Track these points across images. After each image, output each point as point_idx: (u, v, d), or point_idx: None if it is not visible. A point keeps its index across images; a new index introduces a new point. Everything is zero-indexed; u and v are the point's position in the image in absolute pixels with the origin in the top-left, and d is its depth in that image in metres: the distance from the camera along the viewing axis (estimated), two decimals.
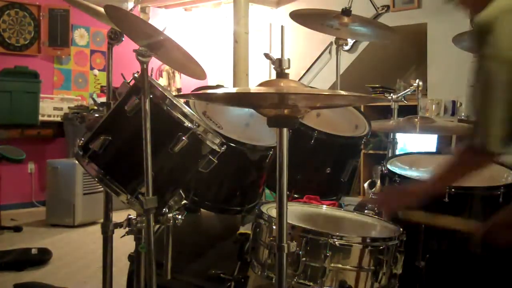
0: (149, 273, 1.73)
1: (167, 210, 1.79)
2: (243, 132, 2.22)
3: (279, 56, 1.27)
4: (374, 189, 2.92)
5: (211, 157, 1.82)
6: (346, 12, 2.52)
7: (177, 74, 7.26)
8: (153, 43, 1.71)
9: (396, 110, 2.94)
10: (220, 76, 7.38)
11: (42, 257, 3.70)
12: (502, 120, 1.27)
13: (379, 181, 2.93)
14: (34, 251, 3.68)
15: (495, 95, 1.24)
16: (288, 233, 1.28)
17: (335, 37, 2.75)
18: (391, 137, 2.92)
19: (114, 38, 2.05)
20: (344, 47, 2.76)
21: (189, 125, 1.77)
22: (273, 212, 1.69)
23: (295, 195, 2.29)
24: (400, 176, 2.11)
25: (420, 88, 2.85)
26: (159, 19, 7.08)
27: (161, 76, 7.17)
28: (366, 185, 3.18)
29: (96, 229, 3.41)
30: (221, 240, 2.29)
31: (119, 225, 1.93)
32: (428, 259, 1.94)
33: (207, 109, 2.15)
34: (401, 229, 1.70)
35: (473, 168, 1.45)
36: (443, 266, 1.98)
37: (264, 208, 1.75)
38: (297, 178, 2.32)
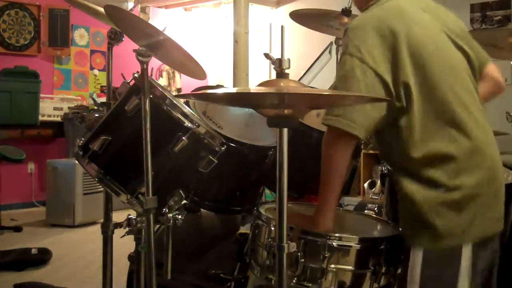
0: (149, 273, 1.73)
1: (167, 210, 1.79)
2: (243, 132, 2.22)
3: (279, 56, 1.27)
4: (374, 189, 2.92)
5: (211, 157, 1.82)
6: (346, 12, 2.52)
7: (177, 74, 7.26)
8: (153, 43, 1.71)
9: None
10: (220, 76, 7.38)
11: (42, 257, 3.70)
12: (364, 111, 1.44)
13: (379, 181, 2.94)
14: (34, 251, 3.68)
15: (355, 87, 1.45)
16: (287, 234, 1.28)
17: (335, 37, 2.76)
18: None
19: (114, 38, 2.05)
20: None
21: (189, 125, 1.77)
22: (273, 212, 1.69)
23: (295, 195, 2.29)
24: None
25: None
26: (159, 19, 7.08)
27: (161, 76, 7.18)
28: (366, 185, 3.18)
29: (96, 229, 3.42)
30: (221, 240, 2.29)
31: (119, 225, 1.93)
32: None
33: (207, 109, 2.15)
34: (401, 229, 1.70)
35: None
36: None
37: (263, 209, 1.75)
38: (297, 178, 2.31)
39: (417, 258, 1.46)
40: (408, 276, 1.47)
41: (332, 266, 1.53)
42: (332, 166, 1.53)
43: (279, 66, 1.25)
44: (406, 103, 1.46)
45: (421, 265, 1.45)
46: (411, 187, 1.47)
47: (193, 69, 1.89)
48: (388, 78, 1.45)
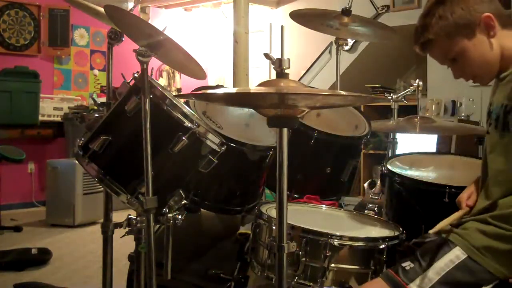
0: (149, 273, 1.73)
1: (167, 210, 1.79)
2: (243, 132, 2.21)
3: (279, 56, 1.27)
4: (374, 189, 2.92)
5: (211, 157, 1.82)
6: (346, 12, 2.51)
7: (177, 74, 7.26)
8: (153, 43, 1.71)
9: (396, 110, 2.94)
10: (220, 76, 7.38)
11: (42, 257, 3.70)
12: None
13: (379, 181, 2.93)
14: (34, 251, 3.68)
15: None
16: (288, 233, 1.28)
17: (335, 37, 2.75)
18: (391, 137, 2.92)
19: (114, 38, 2.05)
20: (344, 47, 2.76)
21: (189, 125, 1.77)
22: (273, 212, 1.69)
23: (295, 195, 2.29)
24: (400, 176, 2.10)
25: (420, 88, 2.84)
26: (159, 19, 7.08)
27: (161, 76, 7.18)
28: (366, 185, 3.18)
29: (96, 229, 3.42)
30: (221, 240, 2.29)
31: (119, 225, 1.92)
32: None
33: (207, 109, 2.15)
34: (401, 229, 1.70)
35: None
36: None
37: (264, 208, 1.75)
38: (297, 178, 2.31)
39: (453, 256, 1.45)
40: (436, 264, 1.45)
41: (333, 265, 1.53)
42: None
43: (279, 66, 1.25)
44: None
45: (455, 264, 1.43)
46: None
47: (193, 69, 1.88)
48: None
